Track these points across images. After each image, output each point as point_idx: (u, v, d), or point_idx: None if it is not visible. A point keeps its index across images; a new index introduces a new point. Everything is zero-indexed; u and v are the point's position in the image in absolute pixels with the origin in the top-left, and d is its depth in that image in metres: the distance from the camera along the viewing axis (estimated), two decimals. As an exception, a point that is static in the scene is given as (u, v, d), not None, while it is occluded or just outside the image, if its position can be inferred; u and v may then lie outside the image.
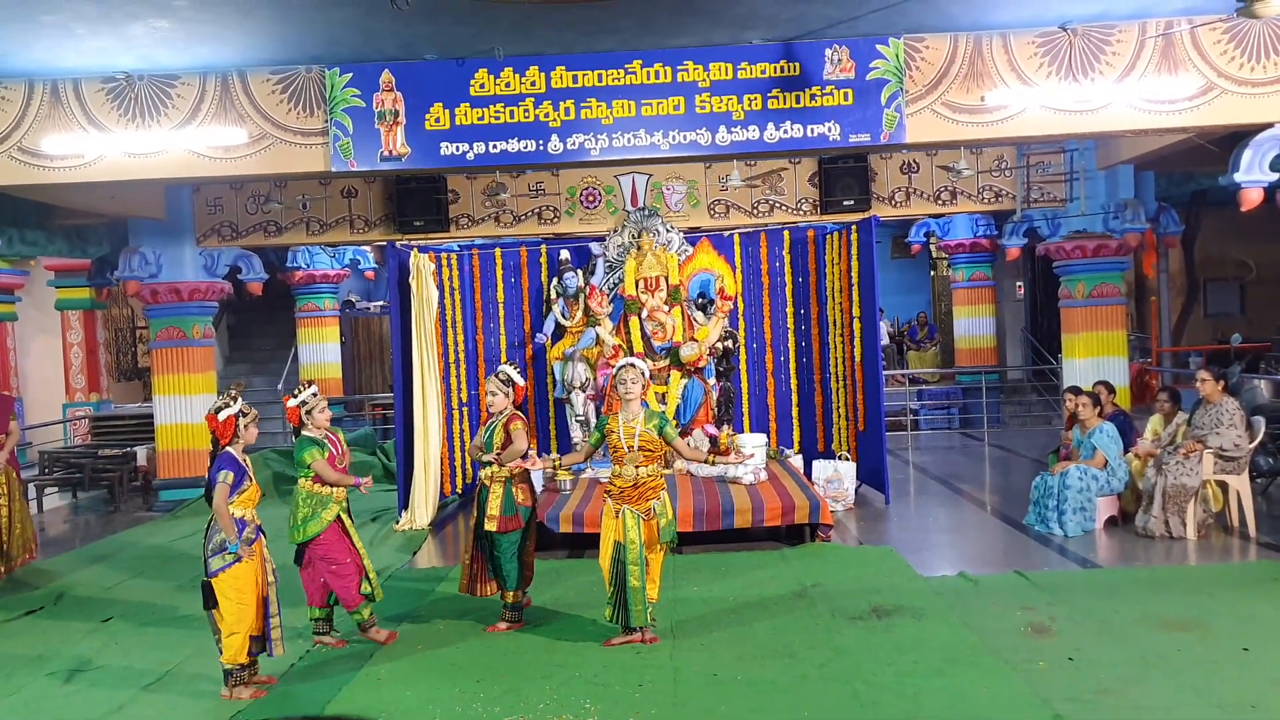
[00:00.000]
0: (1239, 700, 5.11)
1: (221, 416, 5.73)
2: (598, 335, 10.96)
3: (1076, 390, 9.35)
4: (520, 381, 6.76)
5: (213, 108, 8.21)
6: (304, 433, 6.54)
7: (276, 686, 5.84)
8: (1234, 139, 8.22)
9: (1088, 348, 11.98)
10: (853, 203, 11.65)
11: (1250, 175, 7.98)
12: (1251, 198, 8.07)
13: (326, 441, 6.53)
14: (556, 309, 11.40)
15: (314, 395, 6.57)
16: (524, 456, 6.60)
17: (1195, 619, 6.38)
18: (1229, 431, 8.49)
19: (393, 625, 6.91)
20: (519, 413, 6.71)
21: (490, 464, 6.59)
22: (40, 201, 10.85)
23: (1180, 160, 10.66)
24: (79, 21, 7.02)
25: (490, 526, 6.49)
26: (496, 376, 6.72)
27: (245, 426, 5.79)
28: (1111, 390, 9.82)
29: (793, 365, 11.64)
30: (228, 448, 5.75)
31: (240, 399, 5.87)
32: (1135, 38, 7.92)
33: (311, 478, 6.43)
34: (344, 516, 6.52)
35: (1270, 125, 7.91)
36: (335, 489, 6.47)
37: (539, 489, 9.66)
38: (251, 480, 5.81)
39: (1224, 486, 8.69)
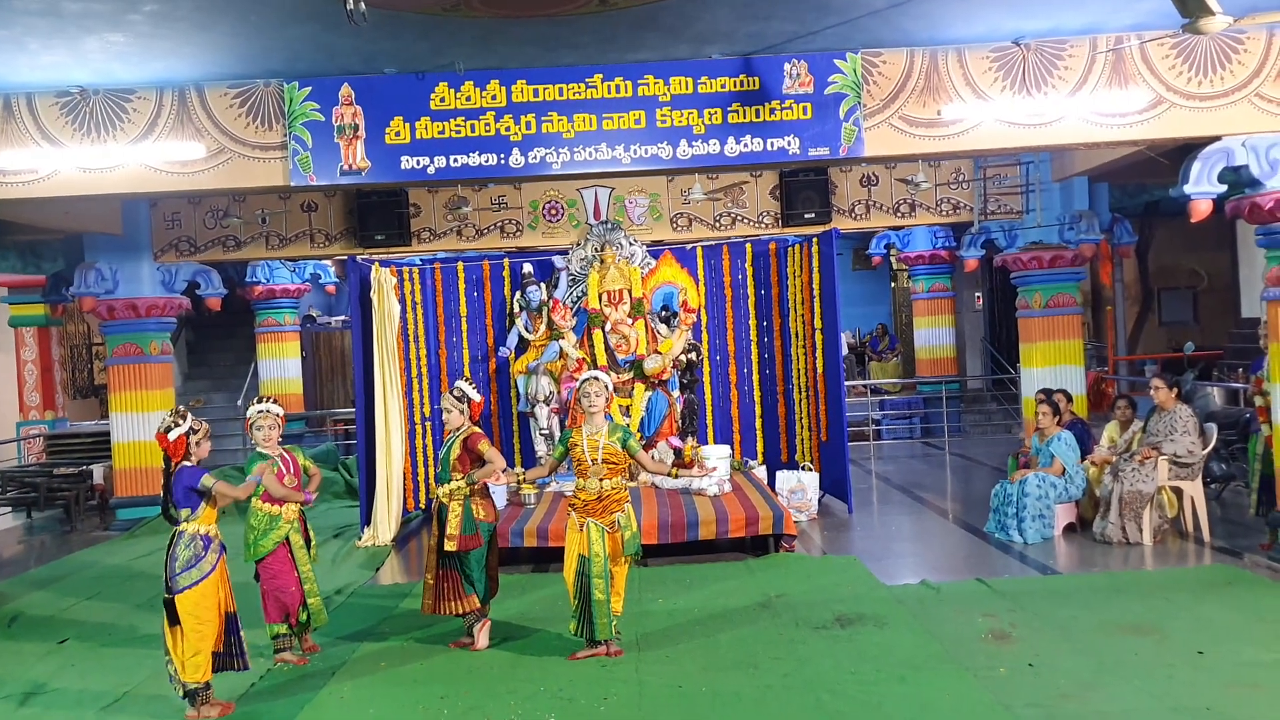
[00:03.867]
0: (1194, 703, 5.20)
1: (172, 436, 5.67)
2: (561, 349, 10.96)
3: (1048, 393, 9.45)
4: (476, 398, 6.72)
5: (170, 122, 8.13)
6: (257, 448, 6.52)
7: (239, 705, 5.77)
8: (1183, 151, 8.39)
9: (1045, 357, 12.15)
10: (813, 215, 11.75)
11: (1199, 187, 8.14)
12: (1201, 209, 8.23)
13: (276, 458, 6.48)
14: (520, 323, 11.39)
15: (260, 413, 6.49)
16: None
17: (1152, 623, 6.48)
18: (1183, 438, 8.64)
19: (355, 642, 6.86)
20: (479, 429, 6.67)
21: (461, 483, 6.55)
22: (-7, 217, 10.68)
23: (1133, 172, 10.86)
24: (31, 35, 6.94)
25: (450, 546, 6.44)
26: (451, 393, 6.69)
27: (197, 443, 5.73)
28: (1069, 399, 9.97)
29: (756, 377, 11.69)
30: (184, 464, 5.68)
31: (190, 416, 5.80)
32: (1086, 53, 8.07)
33: (261, 495, 6.39)
34: (293, 538, 6.48)
35: (1218, 138, 8.08)
36: (285, 509, 6.44)
37: (503, 504, 9.63)
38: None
39: (1179, 492, 8.83)
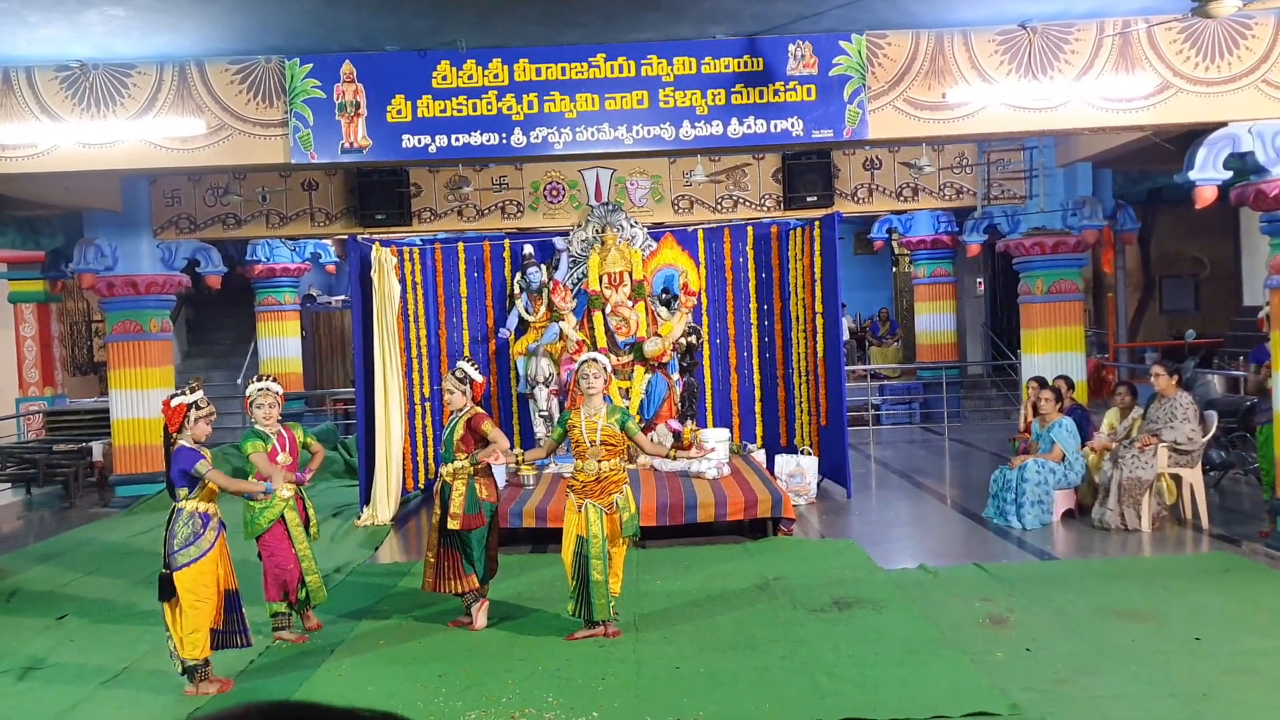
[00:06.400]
0: (1191, 689, 5.20)
1: (174, 403, 5.68)
2: (561, 330, 10.94)
3: (1042, 381, 9.44)
4: (478, 378, 6.72)
5: (170, 98, 8.08)
6: (254, 425, 6.51)
7: (237, 682, 5.79)
8: (1189, 137, 8.34)
9: (1046, 343, 12.13)
10: (816, 199, 11.71)
11: (1204, 173, 8.09)
12: (1206, 195, 8.18)
13: (273, 436, 6.47)
14: (520, 304, 11.36)
15: (259, 391, 6.49)
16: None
17: (1149, 610, 6.49)
18: (1183, 425, 8.63)
19: (354, 620, 6.87)
20: (482, 410, 6.66)
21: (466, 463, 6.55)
22: (-8, 192, 10.64)
23: (1137, 158, 10.81)
24: (31, 8, 6.88)
25: (453, 525, 6.46)
26: (453, 374, 6.69)
27: (195, 420, 5.71)
28: (1070, 385, 9.96)
29: (756, 360, 11.68)
30: (180, 441, 5.68)
31: (200, 392, 5.81)
32: (1093, 36, 8.01)
33: (256, 474, 6.39)
34: (288, 515, 6.48)
35: (1224, 124, 8.03)
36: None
37: (502, 484, 9.63)
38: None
39: (1178, 479, 8.83)
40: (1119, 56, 8.01)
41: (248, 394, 6.54)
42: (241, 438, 6.56)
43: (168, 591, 5.59)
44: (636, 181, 12.01)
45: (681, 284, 11.18)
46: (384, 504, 10.20)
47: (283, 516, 6.47)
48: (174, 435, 5.70)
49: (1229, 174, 8.13)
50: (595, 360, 6.50)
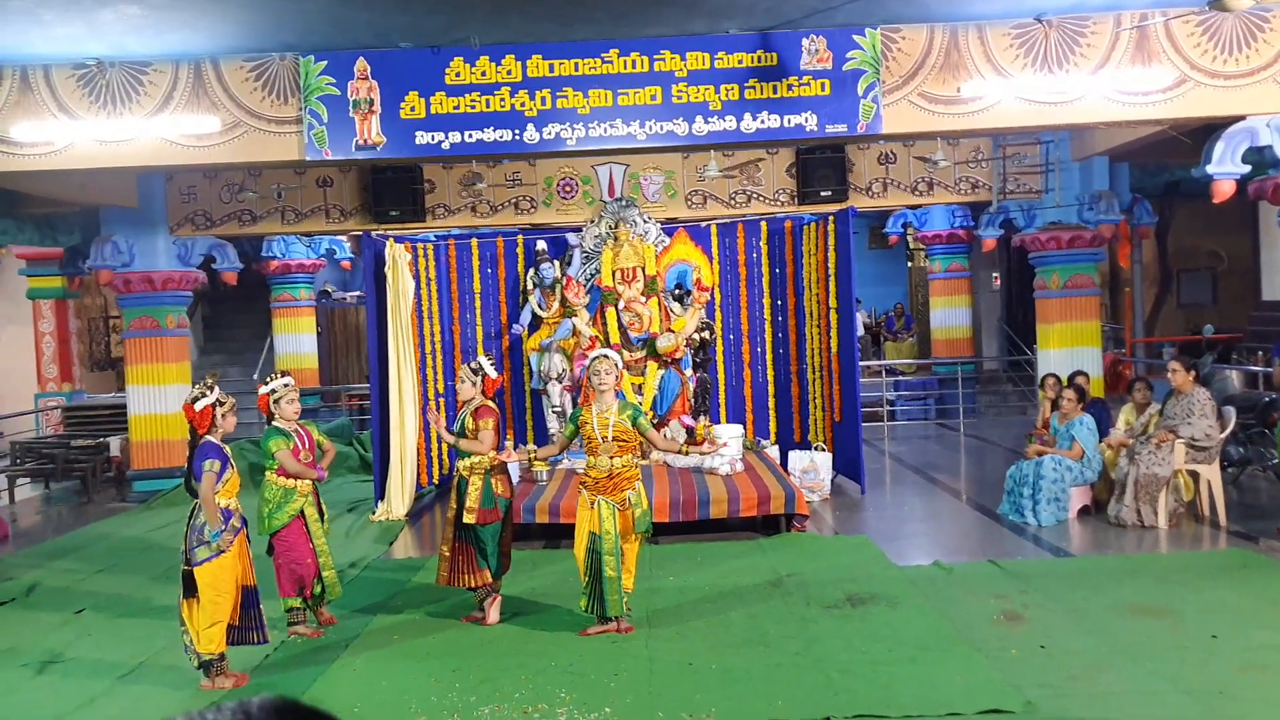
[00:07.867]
0: (1207, 687, 5.17)
1: (198, 406, 5.71)
2: (574, 326, 10.94)
3: (1057, 378, 9.40)
4: (492, 374, 6.72)
5: (185, 95, 8.12)
6: (273, 423, 6.53)
7: (253, 677, 5.82)
8: (1207, 131, 8.28)
9: (1062, 338, 12.07)
10: (830, 193, 11.68)
11: (1222, 167, 8.04)
12: (1224, 189, 8.13)
13: (293, 433, 6.51)
14: (533, 300, 11.38)
15: (285, 386, 6.53)
16: (499, 449, 6.59)
17: (1166, 607, 6.45)
18: (1200, 421, 8.57)
19: (369, 615, 6.90)
20: (491, 405, 6.66)
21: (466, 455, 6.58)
22: (10, 189, 10.72)
23: (1154, 152, 10.75)
24: (47, 7, 6.93)
25: (469, 519, 6.48)
26: (468, 364, 6.71)
27: (223, 415, 5.77)
28: (1087, 380, 9.91)
29: (769, 356, 11.66)
30: (208, 437, 5.72)
31: (216, 388, 5.84)
32: (1110, 30, 7.96)
33: (276, 469, 6.42)
34: (308, 511, 6.51)
35: (1242, 118, 7.97)
36: (300, 483, 6.46)
37: (516, 480, 9.66)
38: (234, 469, 5.82)
39: (1195, 476, 8.77)
40: (1136, 50, 7.96)
41: (272, 389, 6.53)
42: (264, 435, 6.58)
43: (193, 588, 5.63)
44: (650, 177, 12.00)
45: (695, 279, 11.17)
46: (398, 499, 10.24)
47: (302, 512, 6.51)
48: (202, 435, 5.73)
49: (1247, 168, 8.08)
50: (607, 356, 6.50)
